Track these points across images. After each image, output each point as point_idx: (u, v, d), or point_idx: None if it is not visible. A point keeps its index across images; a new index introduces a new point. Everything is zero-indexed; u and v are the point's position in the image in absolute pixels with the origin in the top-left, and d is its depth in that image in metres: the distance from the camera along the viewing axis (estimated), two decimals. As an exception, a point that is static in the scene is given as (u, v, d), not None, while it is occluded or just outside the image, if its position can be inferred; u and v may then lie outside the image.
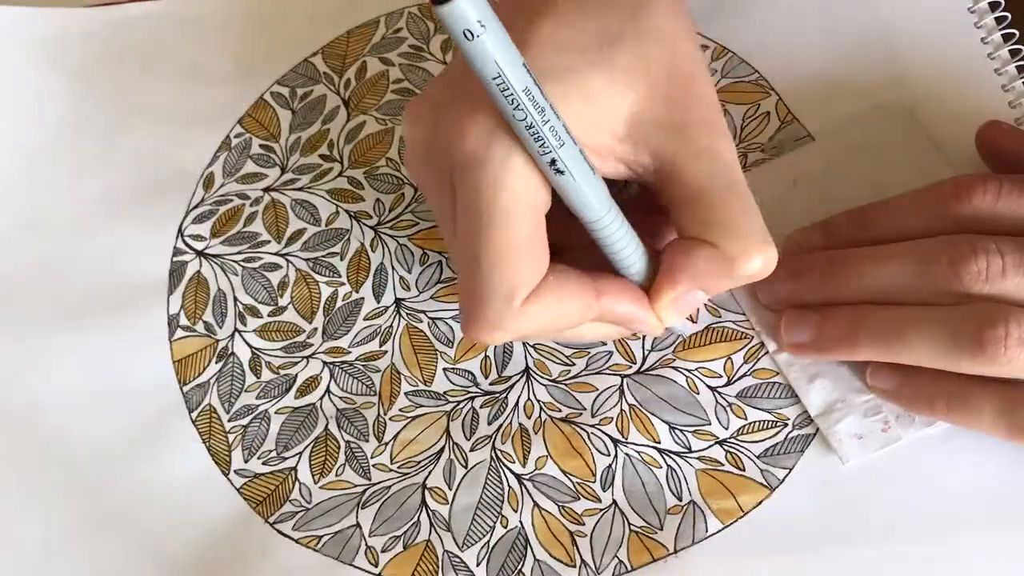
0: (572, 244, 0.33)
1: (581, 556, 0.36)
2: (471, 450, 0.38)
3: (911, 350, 0.34)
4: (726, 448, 0.37)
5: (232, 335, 0.41)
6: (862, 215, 0.37)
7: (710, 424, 0.38)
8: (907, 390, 0.36)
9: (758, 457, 0.37)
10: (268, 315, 0.41)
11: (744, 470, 0.37)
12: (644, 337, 0.39)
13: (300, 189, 0.43)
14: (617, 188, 0.33)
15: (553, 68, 0.29)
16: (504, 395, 0.39)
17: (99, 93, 0.46)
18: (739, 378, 0.38)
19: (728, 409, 0.38)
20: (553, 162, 0.28)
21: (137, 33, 0.47)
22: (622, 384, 0.38)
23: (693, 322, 0.39)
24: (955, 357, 0.33)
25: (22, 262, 0.42)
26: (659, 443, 0.37)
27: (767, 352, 0.38)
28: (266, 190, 0.44)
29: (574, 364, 0.39)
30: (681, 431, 0.38)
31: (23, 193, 0.44)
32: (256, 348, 0.40)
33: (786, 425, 0.37)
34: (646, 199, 0.34)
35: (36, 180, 0.44)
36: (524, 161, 0.28)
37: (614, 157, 0.31)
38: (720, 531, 0.36)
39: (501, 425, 0.38)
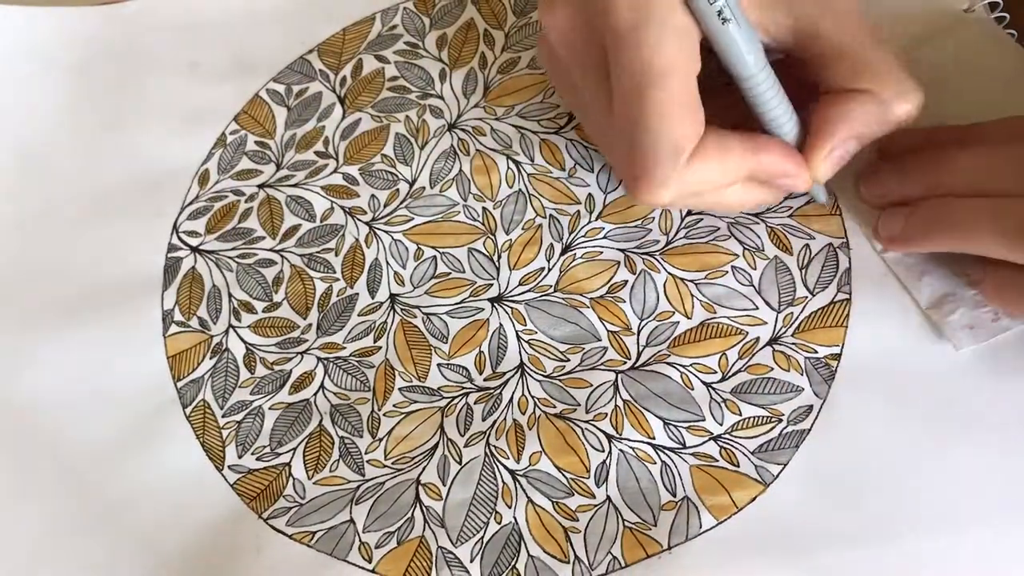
0: (713, 121, 0.34)
1: (575, 552, 0.36)
2: (465, 446, 0.38)
3: (981, 241, 0.34)
4: (720, 444, 0.37)
5: (226, 331, 0.41)
6: (967, 130, 0.38)
7: (704, 420, 0.38)
8: (1009, 289, 0.36)
9: (752, 453, 0.37)
10: (263, 311, 0.41)
11: (738, 466, 0.37)
12: (638, 332, 0.39)
13: (295, 185, 0.43)
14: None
15: None
16: (498, 391, 0.39)
17: (95, 90, 0.46)
18: (734, 374, 0.38)
19: (723, 405, 0.38)
20: (720, 12, 0.30)
21: (134, 31, 0.47)
22: (616, 380, 0.38)
23: (829, 194, 0.40)
24: (1018, 248, 0.33)
25: (17, 258, 0.42)
26: (653, 439, 0.37)
27: (765, 344, 0.38)
28: (261, 186, 0.44)
29: (568, 360, 0.39)
30: (675, 427, 0.37)
31: (18, 189, 0.44)
32: (250, 344, 0.40)
33: (780, 421, 0.37)
34: (782, 75, 0.35)
35: (31, 176, 0.44)
36: (679, 26, 0.30)
37: (757, 23, 0.33)
38: (714, 527, 0.36)
39: (495, 421, 0.38)
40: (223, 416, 0.39)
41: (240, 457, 0.38)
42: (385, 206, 0.43)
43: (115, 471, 0.38)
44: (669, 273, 0.40)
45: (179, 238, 0.43)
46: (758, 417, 0.37)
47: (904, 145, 0.39)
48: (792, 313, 0.39)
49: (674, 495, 0.36)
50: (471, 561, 0.36)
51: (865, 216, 0.40)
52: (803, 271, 0.40)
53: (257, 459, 0.38)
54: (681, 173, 0.32)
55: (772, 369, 0.38)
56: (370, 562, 0.36)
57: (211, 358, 0.40)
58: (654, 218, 0.41)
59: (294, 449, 0.38)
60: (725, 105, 0.34)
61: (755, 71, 0.33)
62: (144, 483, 0.38)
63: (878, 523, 0.35)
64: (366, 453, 0.38)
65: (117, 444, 0.39)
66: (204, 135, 0.45)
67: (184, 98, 0.46)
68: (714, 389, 0.38)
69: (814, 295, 0.39)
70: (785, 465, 0.37)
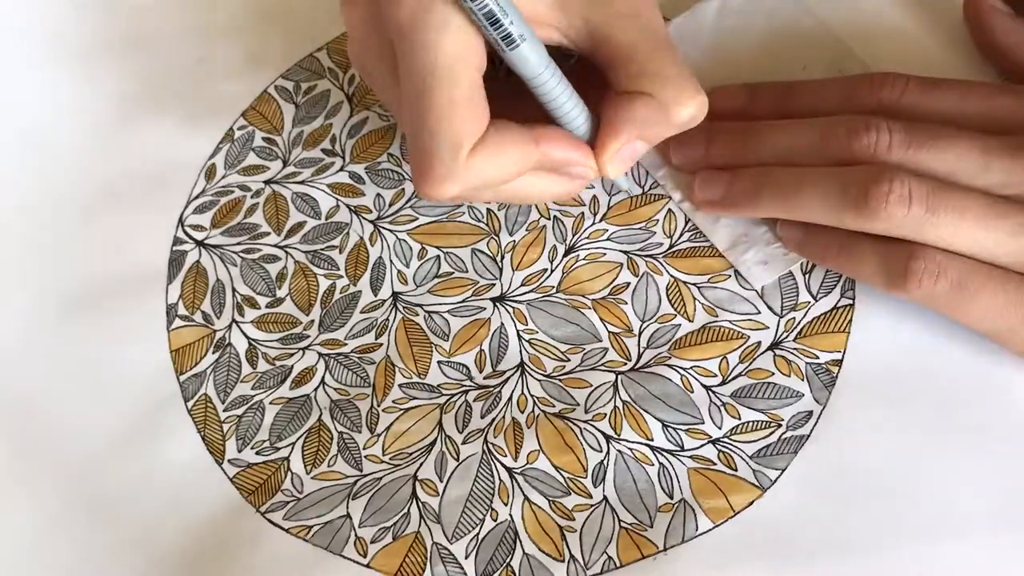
0: (519, 118, 0.34)
1: (570, 551, 0.36)
2: (463, 443, 0.38)
3: (806, 206, 0.37)
4: (719, 447, 0.37)
5: (229, 325, 0.41)
6: (787, 88, 0.41)
7: (703, 423, 0.38)
8: (808, 240, 0.39)
9: (751, 457, 0.37)
10: (266, 306, 0.41)
11: (736, 470, 0.37)
12: (639, 334, 0.39)
13: (301, 182, 0.44)
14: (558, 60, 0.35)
15: None
16: (498, 389, 0.39)
17: (104, 81, 0.46)
18: (734, 377, 0.38)
19: (722, 408, 0.38)
20: (492, 16, 0.30)
21: (145, 23, 0.47)
22: (616, 381, 0.38)
23: (640, 186, 0.42)
24: (842, 211, 0.36)
25: (20, 248, 0.43)
26: (652, 440, 0.37)
27: (766, 349, 0.38)
28: (267, 182, 0.44)
29: (569, 360, 0.39)
30: (674, 429, 0.37)
31: (24, 179, 0.44)
32: (253, 339, 0.40)
33: (780, 426, 0.37)
34: (583, 73, 0.36)
35: (37, 166, 0.45)
36: (460, 22, 0.31)
37: (549, 24, 0.34)
38: (710, 530, 0.36)
39: (494, 419, 0.38)
40: (224, 410, 0.39)
41: (240, 451, 0.38)
42: (390, 205, 0.43)
43: (116, 463, 0.38)
44: (672, 276, 0.40)
45: (184, 232, 0.43)
46: (757, 422, 0.37)
47: (722, 99, 0.41)
48: (794, 318, 0.39)
49: (671, 497, 0.36)
50: (466, 558, 0.36)
51: (675, 176, 0.42)
52: (806, 276, 0.40)
53: (256, 453, 0.38)
54: (463, 168, 0.32)
55: (773, 374, 0.38)
56: (365, 557, 0.36)
57: (214, 352, 0.40)
58: (658, 220, 0.42)
59: (293, 443, 0.38)
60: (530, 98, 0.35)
61: (537, 71, 0.33)
62: (145, 475, 0.38)
63: (875, 531, 0.35)
64: (364, 448, 0.38)
65: (118, 436, 0.39)
66: (211, 130, 0.45)
67: (192, 93, 0.46)
68: (714, 392, 0.38)
69: (817, 300, 0.39)
70: (783, 470, 0.37)
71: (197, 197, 0.44)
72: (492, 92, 0.33)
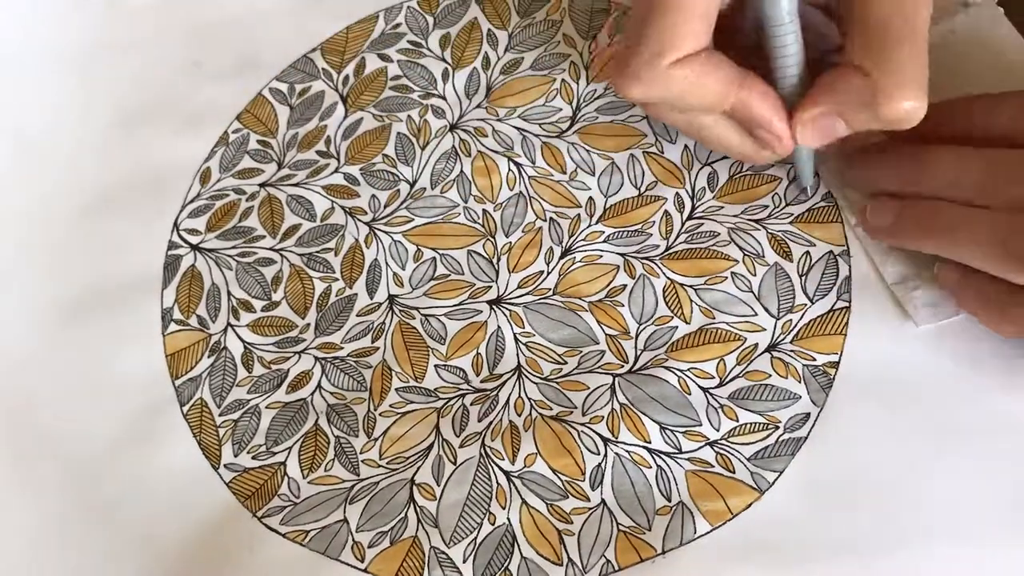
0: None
1: (568, 555, 0.35)
2: (460, 447, 0.38)
3: (966, 251, 0.35)
4: (716, 450, 0.37)
5: (225, 329, 0.41)
6: (968, 103, 0.37)
7: (701, 425, 0.37)
8: (963, 288, 0.36)
9: (748, 460, 0.37)
10: (261, 310, 0.41)
11: (734, 472, 0.37)
12: (636, 336, 0.39)
13: (296, 185, 0.43)
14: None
15: None
16: (495, 392, 0.39)
17: (98, 85, 0.46)
18: (731, 379, 0.38)
19: (720, 411, 0.38)
20: None
21: (138, 26, 0.47)
22: (613, 383, 0.38)
23: (807, 195, 0.41)
24: (1003, 264, 0.33)
25: (15, 252, 0.42)
26: (649, 443, 0.37)
27: (763, 351, 0.38)
28: (262, 185, 0.44)
29: (566, 363, 0.39)
30: (672, 431, 0.37)
31: (17, 182, 0.44)
32: (248, 343, 0.40)
33: (777, 428, 0.37)
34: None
35: (31, 170, 0.44)
36: None
37: None
38: (708, 533, 0.36)
39: (491, 422, 0.38)
40: (220, 415, 0.39)
41: (236, 456, 0.38)
42: (385, 207, 0.43)
43: (112, 468, 0.38)
44: (668, 278, 0.40)
45: (179, 236, 0.43)
46: (755, 424, 0.37)
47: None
48: (791, 320, 0.39)
49: (669, 500, 0.36)
50: (463, 562, 0.36)
51: (851, 196, 0.41)
52: (803, 278, 0.40)
53: (253, 458, 0.38)
54: (658, 74, 0.32)
55: (770, 376, 0.38)
56: (362, 561, 0.36)
57: (209, 356, 0.40)
58: (654, 223, 0.41)
59: (290, 448, 0.38)
60: (746, 64, 0.35)
61: (783, 19, 0.33)
62: (140, 480, 0.38)
63: (873, 533, 0.35)
64: (361, 453, 0.38)
65: (114, 441, 0.39)
66: (206, 133, 0.45)
67: (187, 96, 0.46)
68: (711, 395, 0.38)
69: (813, 302, 0.39)
70: (781, 473, 0.36)
71: (192, 201, 0.44)
72: (730, 42, 0.33)
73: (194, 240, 0.43)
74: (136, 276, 0.42)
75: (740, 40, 0.35)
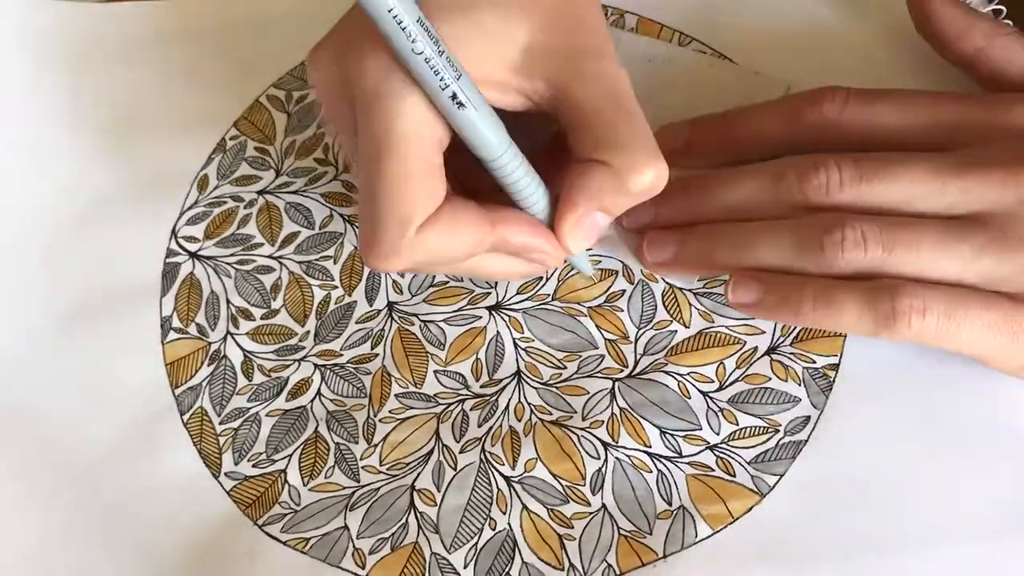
0: (480, 189, 0.34)
1: (570, 559, 0.35)
2: (460, 452, 0.38)
3: (762, 259, 0.36)
4: (717, 453, 0.37)
5: (224, 338, 0.41)
6: (728, 118, 0.40)
7: (701, 429, 0.38)
8: (770, 298, 0.36)
9: (749, 463, 0.37)
10: (261, 318, 0.41)
11: (735, 476, 0.37)
12: (636, 340, 0.39)
13: (295, 192, 0.43)
14: (531, 130, 0.34)
15: (446, 7, 0.31)
16: (495, 398, 0.39)
17: (94, 90, 0.46)
18: (731, 383, 0.38)
19: (720, 414, 0.38)
20: (454, 96, 0.29)
21: (135, 31, 0.47)
22: (613, 388, 0.38)
23: (594, 281, 0.40)
24: (801, 261, 0.35)
25: (11, 260, 0.42)
26: (650, 447, 0.37)
27: (763, 354, 0.38)
28: (260, 193, 0.44)
29: (565, 367, 0.39)
30: (672, 435, 0.37)
31: (14, 191, 0.44)
32: (248, 351, 0.40)
33: (778, 431, 0.37)
34: (557, 147, 0.35)
35: (28, 178, 0.44)
36: (420, 96, 0.30)
37: (512, 89, 0.32)
38: (709, 537, 0.36)
39: (491, 427, 0.38)
40: (220, 423, 0.39)
41: (236, 464, 0.38)
42: (384, 213, 0.43)
43: (112, 477, 0.38)
44: (667, 283, 0.40)
45: (177, 243, 0.43)
46: (755, 427, 0.37)
47: (666, 136, 0.40)
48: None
49: (670, 504, 0.36)
50: (464, 567, 0.36)
51: (627, 242, 0.40)
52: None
53: (253, 466, 0.38)
54: (411, 243, 0.31)
55: (770, 379, 0.38)
56: (363, 568, 0.36)
57: (209, 365, 0.40)
58: (653, 226, 0.41)
59: (290, 456, 0.38)
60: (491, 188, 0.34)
61: (498, 152, 0.32)
62: (141, 489, 0.38)
63: (875, 534, 0.35)
64: (361, 459, 0.38)
65: (114, 450, 0.39)
66: (203, 140, 0.45)
67: (183, 103, 0.46)
68: (711, 398, 0.38)
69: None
70: (782, 476, 0.37)
71: (190, 208, 0.44)
72: (456, 162, 0.32)
73: (192, 247, 0.43)
74: (135, 284, 0.42)
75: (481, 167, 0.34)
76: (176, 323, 0.41)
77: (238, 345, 0.40)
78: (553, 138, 0.35)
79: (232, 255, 0.42)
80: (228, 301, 0.41)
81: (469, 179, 0.33)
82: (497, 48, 0.32)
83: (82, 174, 0.44)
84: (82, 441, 0.39)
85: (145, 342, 0.41)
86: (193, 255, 0.43)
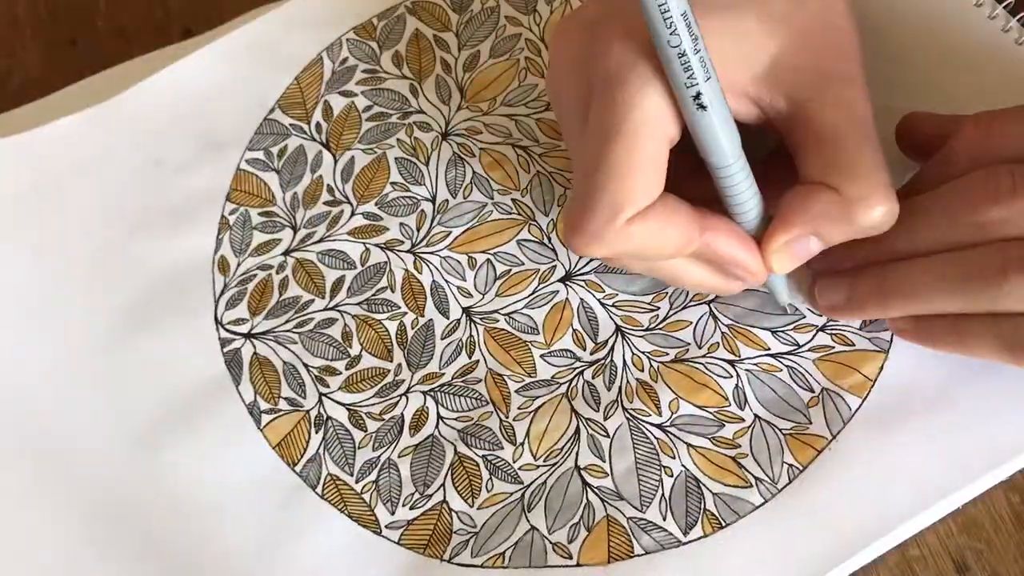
0: (694, 196, 0.33)
1: (752, 474, 0.36)
2: (605, 419, 0.38)
3: (936, 302, 0.34)
4: (828, 332, 0.39)
5: (319, 401, 0.39)
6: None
7: (805, 316, 0.39)
8: (920, 327, 0.36)
9: (860, 329, 0.38)
10: (346, 368, 0.40)
11: (854, 345, 0.38)
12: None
13: (321, 240, 0.42)
14: (755, 141, 0.34)
15: (712, 4, 0.31)
16: (609, 359, 0.39)
17: (74, 212, 0.43)
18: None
19: (814, 297, 0.39)
20: (698, 96, 0.29)
21: (83, 144, 0.44)
22: (711, 310, 0.39)
23: (788, 312, 0.39)
24: (969, 296, 0.33)
25: (72, 392, 0.40)
26: (769, 350, 0.38)
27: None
28: (286, 253, 0.42)
29: (659, 308, 0.40)
30: (783, 332, 0.39)
31: (38, 336, 0.42)
32: (349, 404, 0.39)
33: (870, 292, 0.39)
34: (777, 166, 0.34)
35: (45, 321, 0.42)
36: (662, 89, 0.30)
37: (749, 98, 0.32)
38: (862, 405, 0.37)
39: (621, 386, 0.38)
40: (357, 481, 0.38)
41: (393, 513, 0.37)
42: (418, 229, 0.42)
43: (272, 571, 0.36)
44: (711, 198, 0.41)
45: (226, 331, 0.41)
46: (849, 296, 0.39)
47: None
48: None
49: (813, 391, 0.37)
50: (664, 520, 0.36)
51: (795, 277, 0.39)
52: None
53: (410, 508, 0.37)
54: (618, 232, 0.31)
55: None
56: (571, 558, 0.36)
57: (317, 432, 0.39)
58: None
59: (442, 485, 0.37)
60: (707, 195, 0.34)
61: (729, 161, 0.32)
62: (305, 570, 0.36)
63: None
64: (515, 461, 0.37)
65: (262, 548, 0.37)
66: (202, 226, 0.43)
67: (164, 197, 0.43)
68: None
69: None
70: (892, 329, 0.38)
71: (222, 293, 0.42)
72: (675, 164, 0.32)
73: (243, 329, 0.41)
74: (202, 385, 0.40)
75: (696, 173, 0.33)
76: (264, 405, 0.39)
77: (336, 402, 0.39)
78: (768, 156, 0.35)
79: (287, 321, 0.41)
80: (306, 365, 0.40)
81: (685, 183, 0.33)
82: (749, 55, 0.32)
83: (98, 295, 0.42)
84: (225, 549, 0.37)
85: (240, 436, 0.39)
86: (248, 336, 0.41)
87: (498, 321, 0.40)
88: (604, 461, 0.37)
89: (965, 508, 0.36)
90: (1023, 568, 0.35)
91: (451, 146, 0.44)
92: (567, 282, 0.41)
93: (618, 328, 0.40)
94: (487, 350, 0.40)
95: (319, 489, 0.38)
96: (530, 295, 0.40)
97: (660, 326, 0.39)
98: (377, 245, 0.42)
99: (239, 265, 0.42)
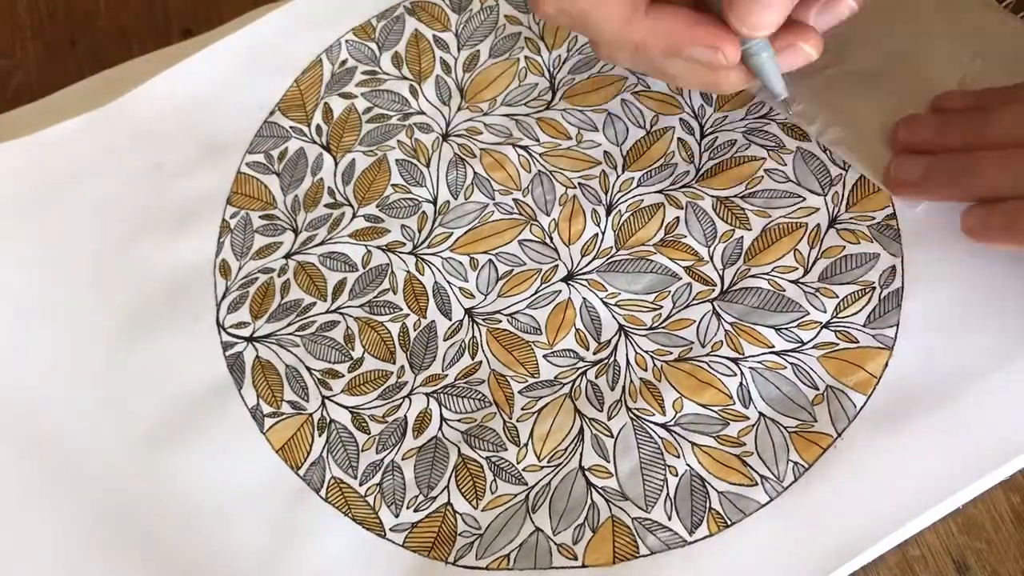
0: None
1: (758, 472, 0.36)
2: (609, 419, 0.38)
3: (1000, 188, 0.35)
4: (833, 329, 0.38)
5: (322, 404, 0.39)
6: (981, 118, 0.38)
7: (809, 313, 0.39)
8: (992, 219, 0.36)
9: (865, 326, 0.38)
10: (348, 371, 0.40)
11: (858, 342, 0.38)
12: (711, 258, 0.40)
13: (322, 243, 0.42)
14: None
15: None
16: (613, 359, 0.39)
17: (73, 219, 0.43)
18: (813, 264, 0.40)
19: (817, 294, 0.39)
20: None
21: (83, 148, 0.44)
22: (714, 308, 0.39)
23: (788, 106, 0.41)
24: None
25: (74, 404, 0.39)
26: (774, 347, 0.38)
27: (827, 228, 0.40)
28: (287, 256, 0.42)
29: (662, 307, 0.40)
30: (787, 329, 0.39)
31: (39, 340, 0.42)
32: (352, 407, 0.39)
33: (874, 288, 0.39)
34: None
35: (45, 323, 0.42)
36: None
37: None
38: (867, 403, 0.37)
39: (624, 386, 0.38)
40: (360, 484, 0.38)
41: (397, 516, 0.37)
42: (420, 231, 0.42)
43: (277, 575, 0.36)
44: (713, 196, 0.41)
45: (228, 335, 0.41)
46: (853, 293, 0.39)
47: (952, 104, 0.40)
48: (837, 192, 0.41)
49: (817, 388, 0.37)
50: (669, 519, 0.36)
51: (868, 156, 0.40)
52: (827, 152, 0.41)
53: (415, 511, 0.37)
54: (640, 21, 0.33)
55: (845, 247, 0.40)
56: (576, 559, 0.36)
57: (320, 435, 0.38)
58: (674, 152, 0.43)
59: (447, 486, 0.37)
60: None
61: None
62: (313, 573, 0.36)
63: (1000, 342, 0.37)
64: (519, 463, 0.37)
65: (267, 548, 0.37)
66: (203, 228, 0.43)
67: (164, 200, 0.43)
68: (803, 284, 0.39)
69: (846, 170, 0.41)
70: (897, 325, 0.38)
71: (224, 296, 0.42)
72: None
73: (245, 333, 0.41)
74: (205, 389, 0.40)
75: None
76: (266, 409, 0.39)
77: (340, 405, 0.39)
78: None
79: (289, 324, 0.41)
80: (308, 368, 0.40)
81: None
82: None
83: (100, 302, 0.42)
84: (234, 549, 0.37)
85: (243, 438, 0.39)
86: (250, 339, 0.41)
87: (500, 322, 0.40)
88: (608, 461, 0.37)
89: (965, 508, 0.36)
90: (1023, 568, 0.35)
91: (452, 147, 0.44)
92: (569, 282, 0.40)
93: (621, 327, 0.39)
94: (490, 351, 0.40)
95: (323, 492, 0.38)
96: (532, 295, 0.40)
97: (663, 325, 0.39)
98: (378, 247, 0.42)
99: (240, 268, 0.42)
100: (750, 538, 0.35)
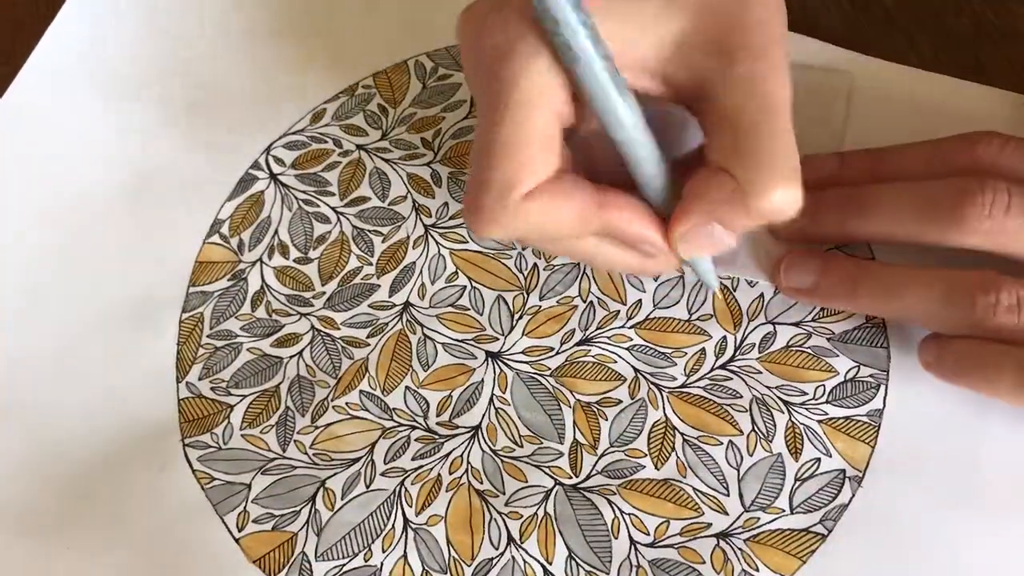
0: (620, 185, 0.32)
1: None
2: (381, 475, 0.38)
3: (908, 306, 0.35)
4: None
5: (255, 263, 0.42)
6: (879, 154, 0.38)
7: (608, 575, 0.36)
8: (944, 356, 0.36)
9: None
10: (294, 260, 0.42)
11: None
12: (600, 456, 0.37)
13: (387, 161, 0.44)
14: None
15: None
16: (442, 441, 0.38)
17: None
18: (664, 546, 0.36)
19: (633, 571, 0.36)
20: (568, 48, 0.28)
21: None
22: (552, 490, 0.37)
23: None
24: (948, 312, 0.34)
25: (110, 230, 0.45)
26: (550, 564, 0.36)
27: (711, 535, 0.36)
28: (359, 148, 0.44)
29: (522, 446, 0.38)
30: (577, 565, 0.36)
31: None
32: (267, 284, 0.42)
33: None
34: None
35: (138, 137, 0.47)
36: (548, 61, 0.29)
37: (657, 75, 0.31)
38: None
39: (421, 467, 0.38)
40: (207, 336, 0.41)
41: (200, 379, 0.40)
42: (451, 218, 0.42)
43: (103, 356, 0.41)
44: (666, 416, 0.38)
45: (267, 159, 0.44)
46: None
47: (813, 167, 0.37)
48: (758, 519, 0.36)
49: None
50: (320, 580, 0.36)
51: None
52: (797, 483, 0.37)
53: (211, 389, 0.40)
54: (512, 211, 0.30)
55: (703, 563, 0.36)
56: (240, 531, 0.37)
57: (229, 280, 0.42)
58: (687, 354, 0.39)
59: (244, 396, 0.39)
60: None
61: (626, 133, 0.30)
62: (114, 363, 0.40)
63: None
64: (298, 433, 0.39)
65: (111, 333, 0.41)
66: (336, 78, 0.46)
67: (331, 40, 0.47)
68: (637, 550, 0.36)
69: (792, 513, 0.36)
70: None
71: (294, 132, 0.45)
72: (583, 142, 0.31)
73: (277, 169, 0.44)
74: (207, 183, 0.44)
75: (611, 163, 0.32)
76: (225, 230, 0.43)
77: (261, 275, 0.42)
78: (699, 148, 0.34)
79: (303, 192, 0.44)
80: (276, 231, 0.43)
81: (594, 163, 0.32)
82: (650, 36, 0.30)
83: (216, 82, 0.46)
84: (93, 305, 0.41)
85: (189, 237, 0.43)
86: (273, 176, 0.44)
87: (416, 333, 0.41)
88: (342, 499, 0.38)
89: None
90: None
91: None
92: (492, 357, 0.40)
93: (477, 428, 0.39)
94: (383, 344, 0.40)
95: (185, 315, 0.42)
96: (456, 340, 0.40)
97: (504, 458, 0.38)
98: (414, 201, 0.43)
99: (326, 125, 0.45)
100: None
